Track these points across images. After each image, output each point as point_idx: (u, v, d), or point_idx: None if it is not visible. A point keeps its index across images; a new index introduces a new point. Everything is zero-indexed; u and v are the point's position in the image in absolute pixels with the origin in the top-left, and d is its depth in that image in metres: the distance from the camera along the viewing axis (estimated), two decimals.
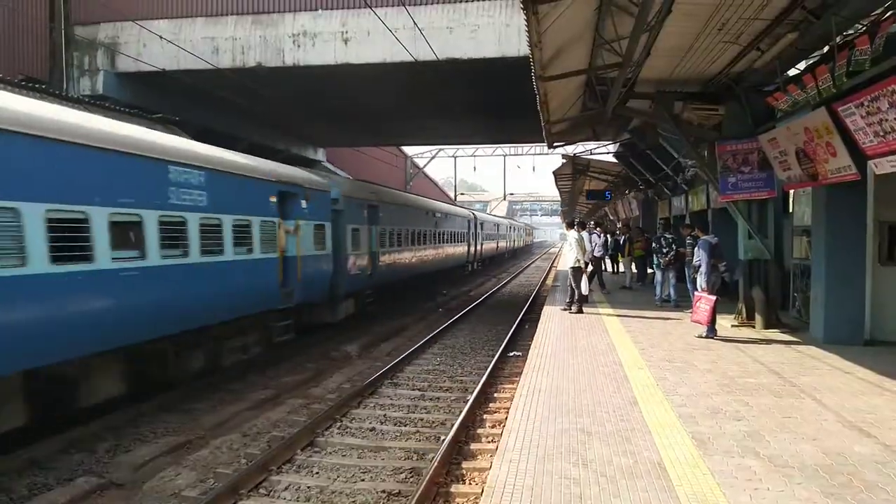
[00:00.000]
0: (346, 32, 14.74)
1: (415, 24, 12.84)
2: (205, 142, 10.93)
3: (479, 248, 37.13)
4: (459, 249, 31.55)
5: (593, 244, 17.43)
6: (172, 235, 8.77)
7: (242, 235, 10.46)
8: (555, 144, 14.96)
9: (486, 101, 20.16)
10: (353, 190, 16.51)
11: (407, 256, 21.16)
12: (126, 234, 8.04)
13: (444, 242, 27.32)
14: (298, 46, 15.00)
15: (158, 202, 8.52)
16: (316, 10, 15.16)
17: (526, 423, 5.53)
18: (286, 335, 12.38)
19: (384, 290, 18.46)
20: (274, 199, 11.58)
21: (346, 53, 14.84)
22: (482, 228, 38.70)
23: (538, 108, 10.54)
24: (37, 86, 10.14)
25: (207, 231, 9.54)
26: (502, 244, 50.38)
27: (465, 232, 32.85)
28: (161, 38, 13.87)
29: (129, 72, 15.45)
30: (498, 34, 14.56)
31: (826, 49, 8.07)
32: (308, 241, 12.76)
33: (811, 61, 9.10)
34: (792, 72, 9.67)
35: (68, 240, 7.00)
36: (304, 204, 12.57)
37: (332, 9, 15.16)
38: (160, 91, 16.65)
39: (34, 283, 6.61)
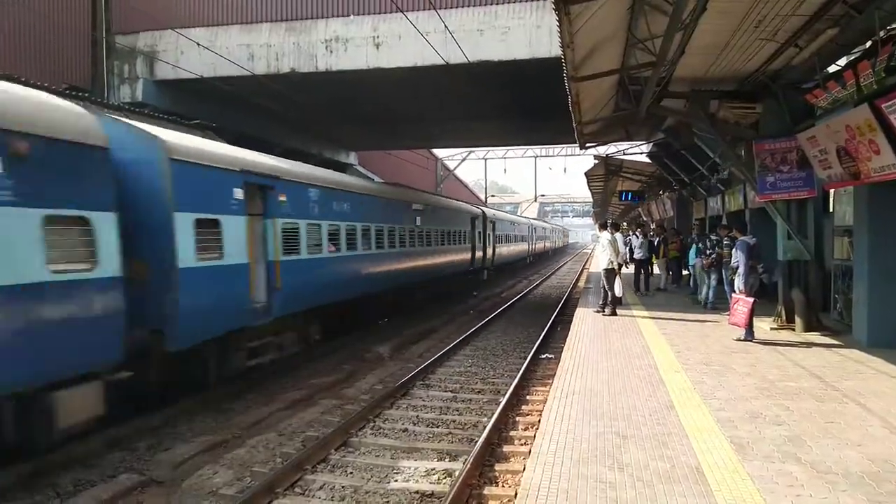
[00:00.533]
0: (378, 37, 14.88)
1: (445, 27, 12.89)
2: (240, 147, 11.20)
3: (490, 252, 30.31)
4: (458, 256, 24.59)
5: (633, 245, 17.19)
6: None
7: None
8: (587, 145, 14.84)
9: (516, 103, 20.12)
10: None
11: (335, 269, 13.41)
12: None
13: (429, 245, 20.38)
14: (331, 52, 15.18)
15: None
16: (348, 15, 15.34)
17: (560, 425, 5.49)
18: None
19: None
20: None
21: (377, 58, 14.97)
22: (494, 229, 31.68)
23: (570, 108, 10.47)
24: (80, 94, 10.48)
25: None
26: (521, 248, 42.82)
27: (468, 232, 26.01)
28: (198, 45, 14.19)
29: (168, 79, 15.84)
30: (528, 36, 14.52)
31: (868, 44, 7.85)
32: None
33: (852, 57, 8.85)
34: (832, 68, 9.43)
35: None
36: None
37: (363, 14, 15.33)
38: (197, 97, 17.02)
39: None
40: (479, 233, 27.89)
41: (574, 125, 11.86)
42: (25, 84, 7.30)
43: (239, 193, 9.82)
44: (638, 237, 17.67)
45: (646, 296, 16.44)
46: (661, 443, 4.99)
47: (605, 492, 4.02)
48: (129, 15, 15.61)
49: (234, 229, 9.62)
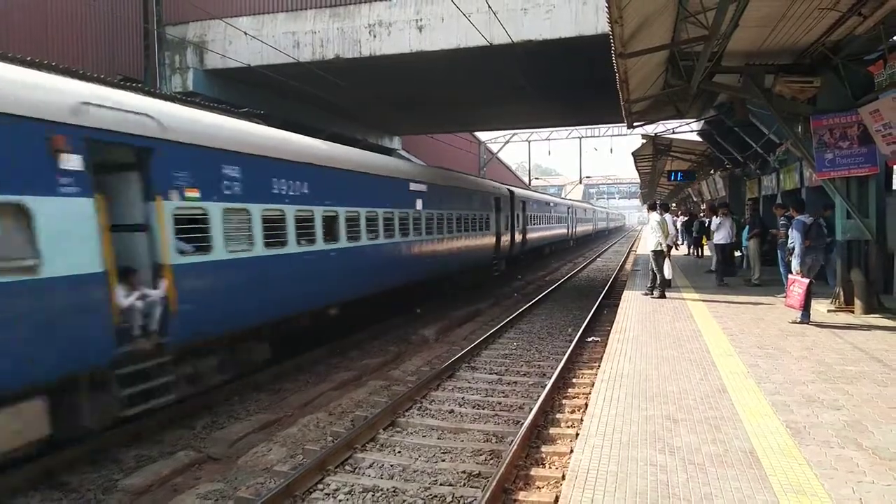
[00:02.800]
0: (421, 20, 14.81)
1: (489, 7, 12.73)
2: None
3: (518, 237, 26.33)
4: (477, 243, 20.41)
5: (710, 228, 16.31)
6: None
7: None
8: (635, 124, 14.50)
9: (561, 83, 19.80)
10: None
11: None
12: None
13: (444, 233, 16.92)
14: (374, 37, 15.21)
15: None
16: None
17: (608, 408, 5.45)
18: None
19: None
20: None
21: (420, 41, 14.92)
22: (525, 209, 27.62)
23: (618, 86, 10.23)
24: (134, 85, 10.80)
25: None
26: (560, 231, 39.02)
27: (490, 217, 21.82)
28: (245, 34, 14.42)
29: (217, 68, 16.17)
30: (574, 13, 14.23)
31: None
32: None
33: None
34: None
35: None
36: None
37: None
38: (246, 86, 17.34)
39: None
40: (506, 216, 24.30)
41: (622, 104, 11.59)
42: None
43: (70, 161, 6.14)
44: (717, 218, 15.12)
45: (722, 285, 14.05)
46: (714, 426, 4.90)
47: (655, 475, 3.98)
48: (179, 5, 15.93)
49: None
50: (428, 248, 15.89)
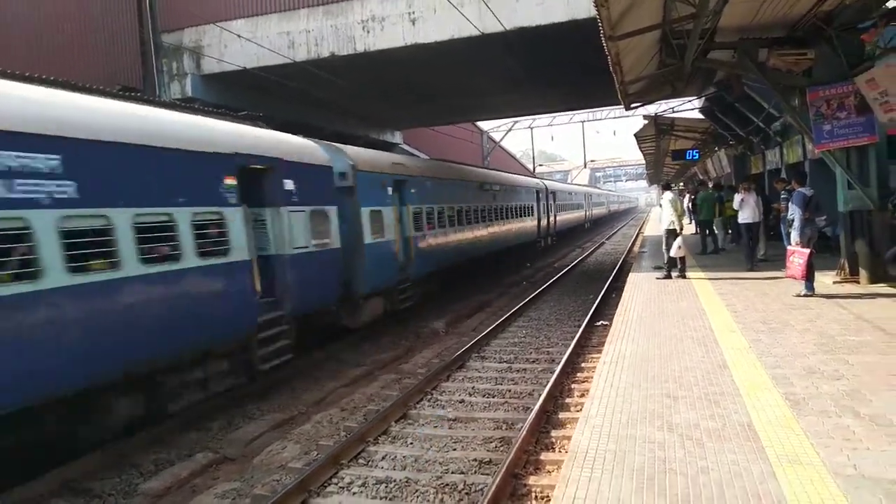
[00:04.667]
0: (413, 13, 14.83)
1: None
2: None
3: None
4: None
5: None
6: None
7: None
8: (632, 105, 14.44)
9: (558, 69, 19.69)
10: None
11: None
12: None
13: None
14: (368, 32, 15.24)
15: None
16: None
17: (609, 389, 5.53)
18: None
19: None
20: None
21: (414, 34, 14.94)
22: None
23: (611, 69, 10.22)
24: (133, 94, 10.93)
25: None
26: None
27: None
28: (239, 37, 14.50)
29: (214, 73, 16.26)
30: None
31: None
32: None
33: None
34: (892, 3, 8.87)
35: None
36: None
37: None
38: (244, 89, 17.42)
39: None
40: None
41: (617, 85, 11.57)
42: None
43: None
44: (740, 195, 13.86)
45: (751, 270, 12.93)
46: (713, 402, 4.97)
47: (653, 451, 4.06)
48: (174, 12, 16.02)
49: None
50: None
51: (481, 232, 20.50)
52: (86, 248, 6.39)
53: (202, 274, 8.03)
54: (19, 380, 5.71)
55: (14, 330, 5.65)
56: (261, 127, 11.46)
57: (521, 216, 25.96)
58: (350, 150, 12.95)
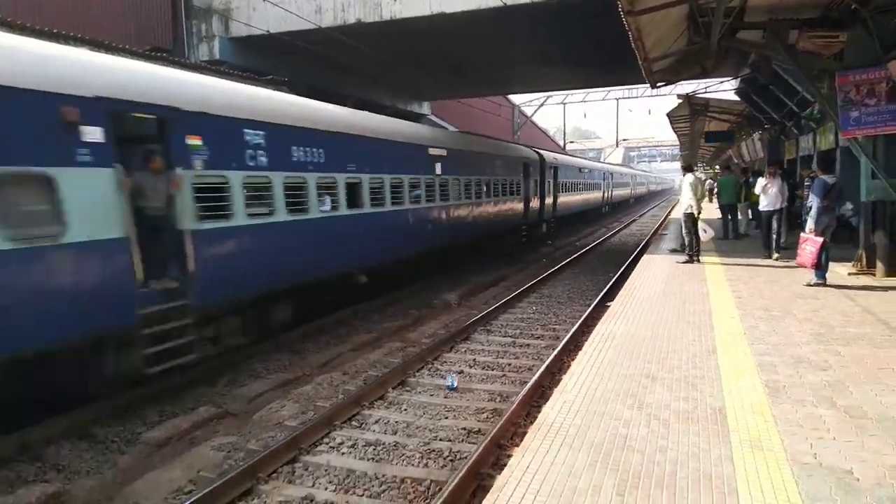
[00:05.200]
0: None
1: None
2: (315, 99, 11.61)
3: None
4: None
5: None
6: None
7: None
8: (658, 84, 14.12)
9: (591, 43, 19.31)
10: None
11: None
12: None
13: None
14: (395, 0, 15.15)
15: None
16: None
17: (591, 368, 5.57)
18: None
19: None
20: None
21: (441, 3, 14.79)
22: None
23: (633, 45, 10.01)
24: (163, 55, 11.10)
25: None
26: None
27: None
28: (264, 0, 14.54)
29: (241, 36, 16.37)
30: None
31: None
32: None
33: None
34: None
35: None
36: None
37: None
38: (271, 53, 17.52)
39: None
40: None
41: (640, 63, 11.33)
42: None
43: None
44: (763, 180, 12.78)
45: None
46: (691, 385, 4.98)
47: (616, 429, 4.11)
48: None
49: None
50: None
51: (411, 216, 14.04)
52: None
53: None
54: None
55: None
56: (285, 93, 11.54)
57: (495, 196, 19.53)
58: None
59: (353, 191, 11.66)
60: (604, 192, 41.43)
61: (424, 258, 15.01)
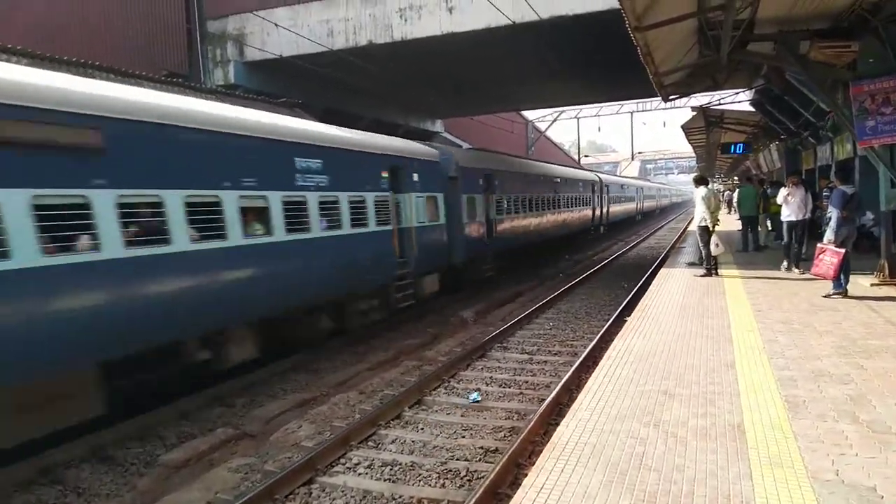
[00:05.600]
0: (450, 1, 14.84)
1: None
2: (329, 122, 11.84)
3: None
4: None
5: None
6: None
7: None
8: (670, 97, 14.11)
9: (601, 58, 19.39)
10: None
11: None
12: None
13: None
14: (405, 21, 15.34)
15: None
16: None
17: (607, 384, 5.51)
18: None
19: None
20: None
21: (451, 23, 14.96)
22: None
23: (642, 60, 10.03)
24: (178, 81, 11.34)
25: None
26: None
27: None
28: (276, 25, 14.83)
29: (256, 60, 16.67)
30: None
31: None
32: None
33: None
34: None
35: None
36: None
37: None
38: (285, 76, 17.80)
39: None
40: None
41: (651, 77, 11.34)
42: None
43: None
44: (785, 190, 12.21)
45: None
46: (709, 401, 4.91)
47: (633, 447, 4.06)
48: (219, 0, 16.48)
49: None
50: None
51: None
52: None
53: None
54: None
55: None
56: (299, 115, 11.79)
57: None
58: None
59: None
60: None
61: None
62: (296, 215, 9.59)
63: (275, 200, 9.11)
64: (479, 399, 8.27)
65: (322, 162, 10.23)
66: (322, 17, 15.99)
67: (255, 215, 8.87)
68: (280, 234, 9.18)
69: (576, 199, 28.29)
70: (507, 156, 22.29)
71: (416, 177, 13.20)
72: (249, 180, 8.67)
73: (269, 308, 9.25)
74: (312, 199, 9.96)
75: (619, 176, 54.34)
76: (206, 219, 7.94)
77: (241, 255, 8.50)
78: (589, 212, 31.12)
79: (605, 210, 34.98)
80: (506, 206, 18.68)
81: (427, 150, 14.51)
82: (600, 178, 34.92)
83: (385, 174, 12.24)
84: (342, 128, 11.97)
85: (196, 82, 14.27)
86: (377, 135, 13.08)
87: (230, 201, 8.32)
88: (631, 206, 46.52)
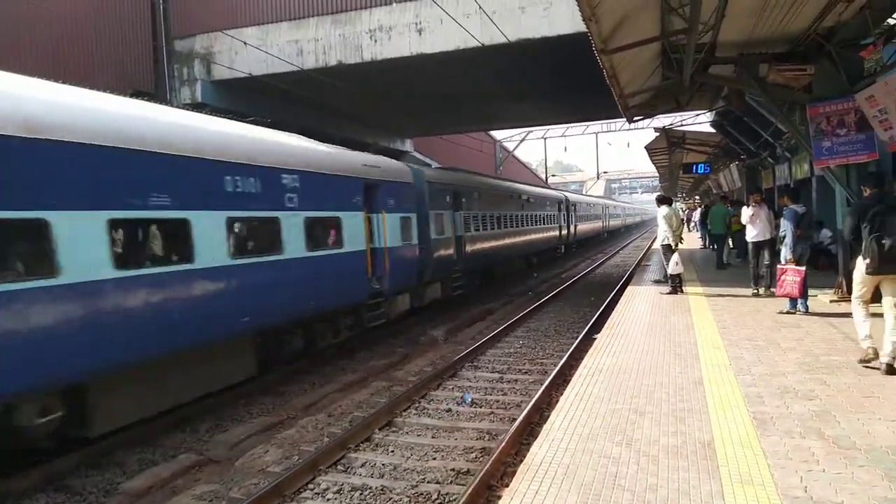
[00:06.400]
0: (420, 23, 14.97)
1: (480, 8, 12.82)
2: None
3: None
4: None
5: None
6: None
7: None
8: (634, 118, 14.43)
9: (569, 80, 19.74)
10: None
11: None
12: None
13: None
14: (375, 41, 15.41)
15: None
16: (391, 3, 15.47)
17: (578, 403, 5.51)
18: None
19: None
20: None
21: (420, 44, 15.08)
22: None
23: (608, 82, 10.24)
24: (144, 98, 11.13)
25: None
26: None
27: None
28: (245, 44, 14.75)
29: (224, 79, 16.52)
30: (572, 9, 14.08)
31: None
32: None
33: None
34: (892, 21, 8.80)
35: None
36: None
37: (405, 1, 15.40)
38: (253, 95, 17.68)
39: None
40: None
41: (616, 98, 11.58)
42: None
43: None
44: (749, 209, 11.63)
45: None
46: (679, 419, 4.94)
47: (606, 467, 4.05)
48: (186, 19, 16.32)
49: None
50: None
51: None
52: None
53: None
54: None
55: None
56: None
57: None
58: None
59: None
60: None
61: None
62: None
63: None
64: (469, 401, 8.90)
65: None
66: (291, 37, 15.96)
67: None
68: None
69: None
70: (477, 174, 22.52)
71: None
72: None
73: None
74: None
75: (586, 195, 56.31)
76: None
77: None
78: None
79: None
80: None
81: (401, 170, 14.46)
82: (567, 197, 35.60)
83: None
84: (318, 142, 11.85)
85: (162, 101, 14.04)
86: (355, 152, 13.04)
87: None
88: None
